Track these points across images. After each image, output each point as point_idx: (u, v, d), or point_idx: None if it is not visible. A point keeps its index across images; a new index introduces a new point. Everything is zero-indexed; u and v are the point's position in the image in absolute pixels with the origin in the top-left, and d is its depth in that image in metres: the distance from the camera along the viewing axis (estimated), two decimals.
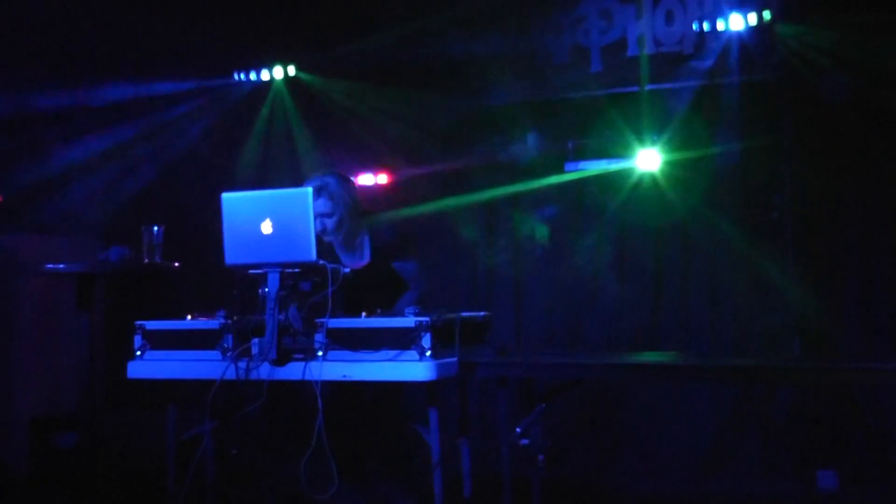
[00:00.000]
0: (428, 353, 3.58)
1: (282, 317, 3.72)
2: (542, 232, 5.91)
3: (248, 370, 3.72)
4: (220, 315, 3.87)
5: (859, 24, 5.16)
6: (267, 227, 3.73)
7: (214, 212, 3.85)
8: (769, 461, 5.33)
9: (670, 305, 5.66)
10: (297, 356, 3.73)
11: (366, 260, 4.33)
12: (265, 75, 6.46)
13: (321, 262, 3.71)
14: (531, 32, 5.96)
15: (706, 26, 5.50)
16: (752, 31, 5.45)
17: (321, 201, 4.22)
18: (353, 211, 4.31)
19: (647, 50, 5.70)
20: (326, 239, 4.30)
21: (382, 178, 6.20)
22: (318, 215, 4.16)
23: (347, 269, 3.80)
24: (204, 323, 3.92)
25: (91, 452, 4.70)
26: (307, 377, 3.66)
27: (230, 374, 3.72)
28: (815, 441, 5.21)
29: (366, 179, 6.14)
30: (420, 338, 3.58)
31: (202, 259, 4.60)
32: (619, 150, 5.73)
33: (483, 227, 6.06)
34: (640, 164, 5.68)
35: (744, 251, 5.43)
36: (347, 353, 3.67)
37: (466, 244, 6.08)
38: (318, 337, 3.70)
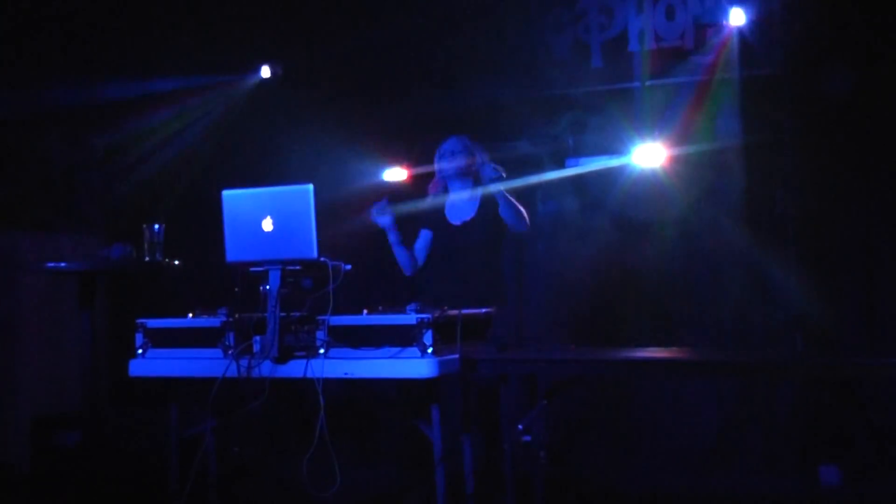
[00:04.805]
0: (429, 350, 3.57)
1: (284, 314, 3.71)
2: None
3: (249, 368, 3.71)
4: (222, 313, 3.86)
5: (861, 18, 5.15)
6: (268, 225, 3.72)
7: (215, 209, 3.84)
8: (771, 457, 5.33)
9: (672, 301, 5.66)
10: (298, 354, 3.73)
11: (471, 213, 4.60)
12: (266, 72, 6.45)
13: (322, 258, 3.70)
14: (531, 28, 5.95)
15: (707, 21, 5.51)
16: (753, 25, 5.44)
17: (456, 141, 4.65)
18: (472, 165, 4.59)
19: (648, 45, 5.70)
20: (444, 175, 4.67)
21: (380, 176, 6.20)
22: (449, 152, 4.64)
23: (349, 266, 3.78)
24: (205, 321, 3.91)
25: (93, 451, 4.70)
26: (309, 375, 3.65)
27: (232, 372, 3.71)
28: (817, 437, 5.21)
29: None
30: (421, 335, 3.58)
31: (203, 257, 4.59)
32: (619, 145, 5.72)
33: None
34: (641, 160, 5.67)
35: (745, 247, 5.43)
36: (349, 351, 3.67)
37: None
38: (320, 334, 3.70)
